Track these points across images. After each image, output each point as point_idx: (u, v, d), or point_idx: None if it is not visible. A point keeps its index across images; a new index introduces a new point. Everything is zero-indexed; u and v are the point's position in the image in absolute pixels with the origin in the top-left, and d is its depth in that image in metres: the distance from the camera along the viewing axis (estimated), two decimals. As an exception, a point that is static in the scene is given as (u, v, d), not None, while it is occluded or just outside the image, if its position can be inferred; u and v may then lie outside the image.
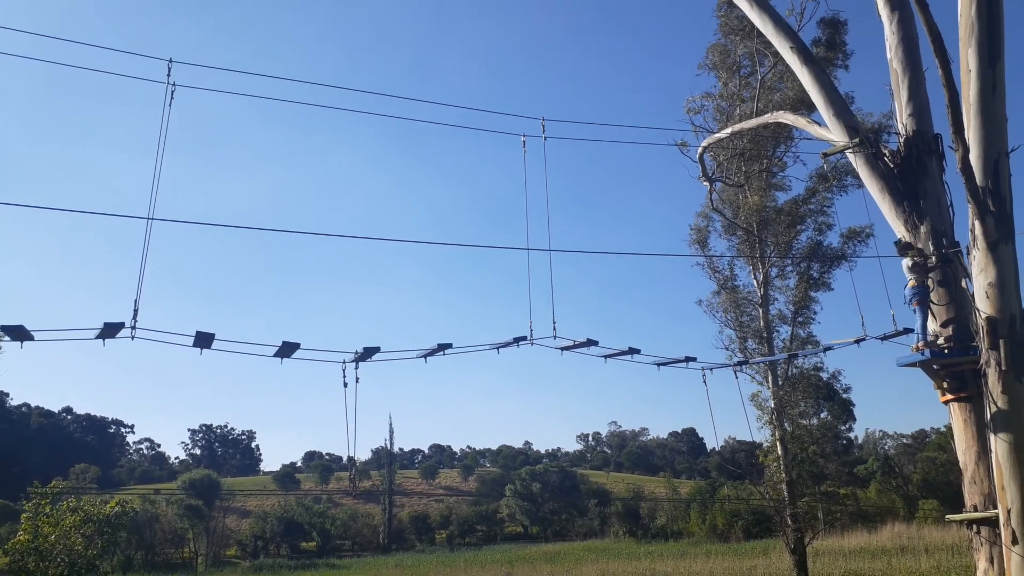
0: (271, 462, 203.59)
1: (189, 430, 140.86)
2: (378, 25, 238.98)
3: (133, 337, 9.49)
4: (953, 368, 8.48)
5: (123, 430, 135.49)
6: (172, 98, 10.32)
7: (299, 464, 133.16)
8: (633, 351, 13.08)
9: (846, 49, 28.03)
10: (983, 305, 7.91)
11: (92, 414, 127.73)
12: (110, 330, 9.54)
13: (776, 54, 10.88)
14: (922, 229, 8.86)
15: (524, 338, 12.00)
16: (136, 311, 9.40)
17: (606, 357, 13.20)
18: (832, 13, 27.00)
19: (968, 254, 8.22)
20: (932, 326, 8.83)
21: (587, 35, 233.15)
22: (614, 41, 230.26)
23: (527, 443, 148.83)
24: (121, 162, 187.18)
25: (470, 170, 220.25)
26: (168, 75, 10.19)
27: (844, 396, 51.76)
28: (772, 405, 27.69)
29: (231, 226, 20.09)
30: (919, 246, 8.86)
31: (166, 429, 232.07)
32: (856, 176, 9.75)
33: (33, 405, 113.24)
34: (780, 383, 28.08)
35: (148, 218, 9.83)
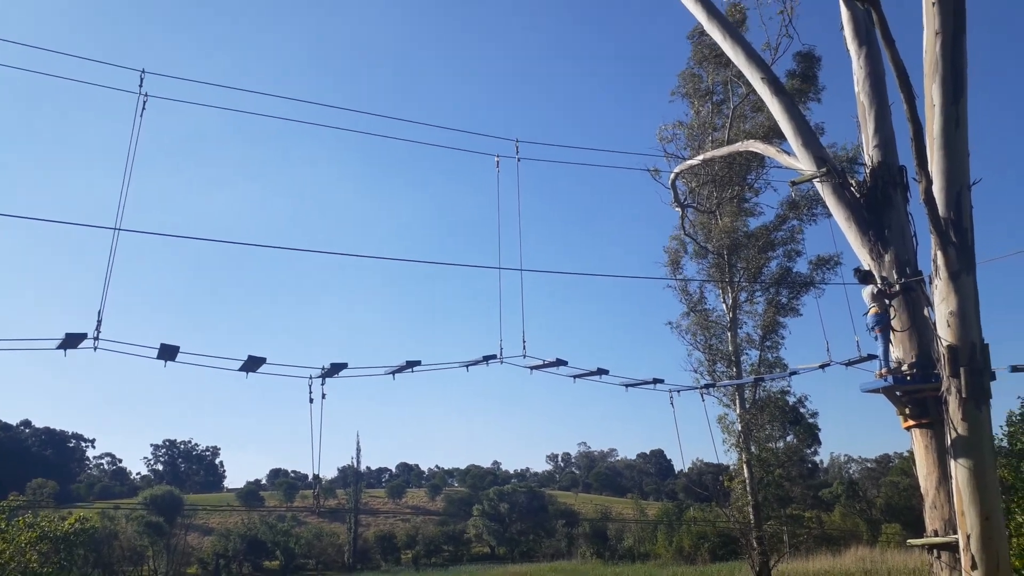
0: (235, 479, 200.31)
1: (152, 445, 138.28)
2: (357, 42, 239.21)
3: (96, 348, 9.34)
4: (915, 395, 8.65)
5: (83, 444, 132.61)
6: (144, 109, 10.27)
7: (264, 482, 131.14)
8: (601, 371, 13.15)
9: (818, 83, 28.71)
10: (945, 333, 8.09)
11: (51, 428, 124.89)
12: (72, 340, 9.40)
13: (748, 84, 11.10)
14: (886, 258, 9.06)
15: (494, 356, 12.02)
16: (100, 321, 9.28)
17: (575, 377, 13.28)
18: (807, 47, 27.67)
19: (931, 283, 8.42)
20: (895, 353, 9.01)
21: (567, 55, 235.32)
22: (594, 60, 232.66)
23: (496, 463, 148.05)
24: (92, 174, 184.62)
25: (445, 189, 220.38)
26: (140, 86, 10.15)
27: (811, 421, 52.33)
28: (739, 428, 27.94)
29: (198, 238, 19.93)
30: (883, 274, 9.06)
31: (128, 444, 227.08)
32: (825, 205, 9.97)
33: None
34: (747, 406, 28.34)
35: (115, 228, 9.73)
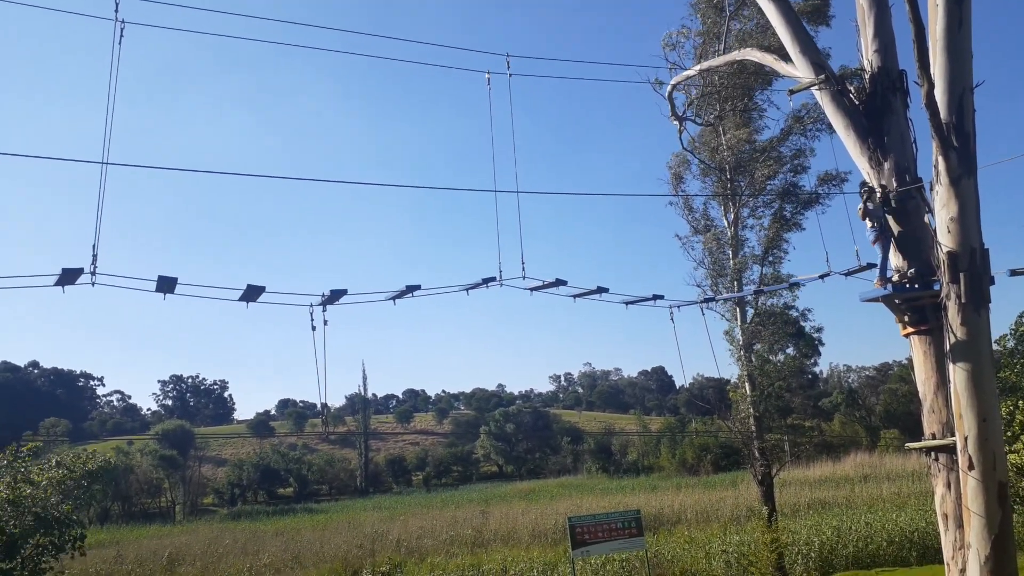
0: (245, 411, 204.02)
1: (160, 381, 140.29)
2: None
3: (93, 283, 9.27)
4: (914, 302, 8.65)
5: (92, 383, 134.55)
6: (122, 36, 9.94)
7: (273, 412, 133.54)
8: (601, 290, 13.13)
9: (829, 8, 27.89)
10: (945, 240, 8.04)
11: (60, 368, 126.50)
12: (69, 276, 9.32)
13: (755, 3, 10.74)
14: (886, 166, 8.93)
15: (493, 279, 11.99)
16: (95, 256, 9.18)
17: (575, 297, 13.27)
18: None
19: (931, 190, 8.32)
20: (895, 261, 8.98)
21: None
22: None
23: (500, 385, 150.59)
24: (75, 107, 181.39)
25: (440, 109, 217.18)
26: (116, 11, 9.79)
27: (815, 336, 52.87)
28: (741, 341, 28.17)
29: (187, 170, 19.74)
30: (883, 182, 8.95)
31: (136, 381, 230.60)
32: (830, 123, 9.75)
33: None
34: (748, 320, 28.52)
35: (102, 163, 9.55)
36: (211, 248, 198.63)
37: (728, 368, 29.69)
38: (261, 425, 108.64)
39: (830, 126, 9.80)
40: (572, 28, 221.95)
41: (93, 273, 9.22)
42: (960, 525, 8.06)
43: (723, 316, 28.98)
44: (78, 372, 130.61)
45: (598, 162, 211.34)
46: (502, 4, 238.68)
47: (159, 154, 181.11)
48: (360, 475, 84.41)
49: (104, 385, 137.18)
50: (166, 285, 9.92)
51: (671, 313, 14.65)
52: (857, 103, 9.21)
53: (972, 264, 7.92)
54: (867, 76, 9.22)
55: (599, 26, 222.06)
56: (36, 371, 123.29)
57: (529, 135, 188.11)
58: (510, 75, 13.00)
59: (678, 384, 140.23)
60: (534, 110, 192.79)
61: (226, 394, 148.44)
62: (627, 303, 13.94)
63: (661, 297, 14.12)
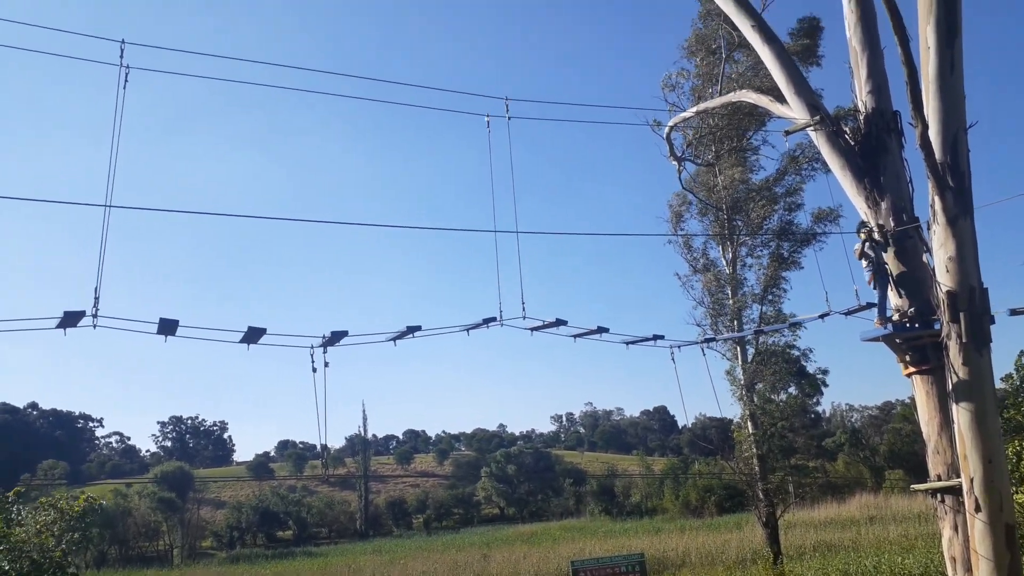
0: (244, 452, 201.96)
1: (159, 422, 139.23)
2: (346, 3, 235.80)
3: (95, 325, 9.30)
4: (915, 342, 8.63)
5: (91, 424, 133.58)
6: (127, 81, 10.10)
7: (273, 454, 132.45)
8: (602, 329, 13.15)
9: (819, 47, 28.58)
10: (943, 279, 8.04)
11: (59, 409, 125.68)
12: (71, 319, 9.35)
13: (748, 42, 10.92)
14: (883, 205, 8.97)
15: (494, 319, 12.00)
16: (97, 299, 9.22)
17: (575, 336, 13.28)
18: (811, 16, 27.80)
19: (928, 229, 8.35)
20: (894, 300, 8.97)
21: (564, 10, 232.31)
22: (594, 16, 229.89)
23: (501, 425, 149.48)
24: (79, 150, 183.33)
25: (446, 148, 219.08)
26: (121, 57, 9.95)
27: (820, 377, 52.72)
28: (742, 381, 28.08)
29: (189, 212, 19.89)
30: (880, 222, 8.98)
31: (136, 422, 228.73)
32: (823, 159, 9.85)
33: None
34: (750, 360, 28.46)
35: (105, 205, 9.63)
36: (214, 288, 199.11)
37: (730, 408, 29.62)
38: (260, 467, 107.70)
39: (825, 165, 9.89)
40: (572, 68, 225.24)
41: (95, 316, 9.25)
42: (968, 568, 7.92)
43: (724, 356, 28.95)
44: (77, 413, 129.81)
45: (599, 197, 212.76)
46: (502, 46, 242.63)
47: (164, 195, 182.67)
48: (360, 518, 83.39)
49: (103, 427, 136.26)
50: (168, 327, 9.94)
51: (672, 353, 14.63)
52: (852, 143, 9.29)
53: (972, 303, 7.91)
54: (862, 117, 9.32)
55: (599, 66, 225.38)
56: (35, 412, 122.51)
57: (530, 170, 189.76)
58: (509, 118, 13.17)
59: (680, 424, 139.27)
60: (535, 145, 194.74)
61: (226, 435, 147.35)
62: (628, 343, 13.93)
63: (662, 337, 14.13)
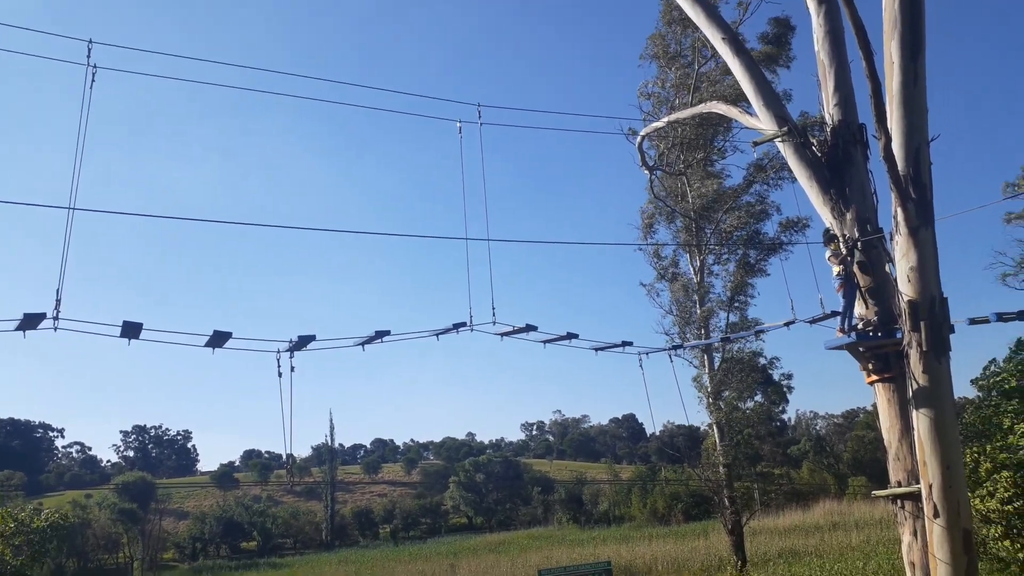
0: (209, 462, 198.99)
1: (121, 432, 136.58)
2: (316, 7, 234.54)
3: (56, 328, 9.08)
4: (877, 350, 8.78)
5: (51, 434, 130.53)
6: (93, 81, 9.93)
7: (238, 463, 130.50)
8: (571, 336, 13.17)
9: (790, 50, 28.88)
10: (905, 288, 8.20)
11: (16, 418, 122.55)
12: (31, 321, 9.11)
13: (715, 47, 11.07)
14: (848, 216, 9.14)
15: (464, 324, 11.96)
16: (59, 301, 8.98)
17: (545, 342, 13.28)
18: (784, 15, 27.94)
19: (891, 239, 8.52)
20: (858, 309, 9.13)
21: (537, 17, 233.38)
22: (565, 23, 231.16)
23: (471, 434, 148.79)
24: (44, 150, 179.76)
25: (414, 155, 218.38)
26: (88, 56, 9.79)
27: (785, 384, 53.37)
28: (709, 388, 28.32)
29: (154, 216, 19.55)
30: (845, 232, 9.15)
31: (98, 432, 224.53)
32: (790, 168, 9.99)
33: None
34: (716, 367, 28.72)
35: (69, 208, 9.44)
36: (179, 293, 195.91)
37: (697, 415, 29.84)
38: (225, 476, 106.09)
39: (792, 174, 10.05)
40: (547, 75, 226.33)
41: (56, 318, 9.03)
42: (927, 573, 8.07)
43: (691, 363, 29.17)
44: (36, 423, 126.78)
45: (573, 204, 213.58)
46: (476, 52, 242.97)
47: (128, 198, 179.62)
48: (326, 528, 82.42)
49: (63, 437, 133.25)
50: (131, 331, 9.73)
51: (640, 360, 14.69)
52: (819, 155, 9.46)
53: (932, 313, 8.08)
54: (828, 129, 9.49)
55: (574, 72, 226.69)
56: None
57: (502, 176, 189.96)
58: (481, 124, 13.17)
59: (648, 432, 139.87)
60: (508, 151, 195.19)
61: (190, 444, 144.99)
62: (596, 349, 13.97)
63: (630, 344, 14.17)
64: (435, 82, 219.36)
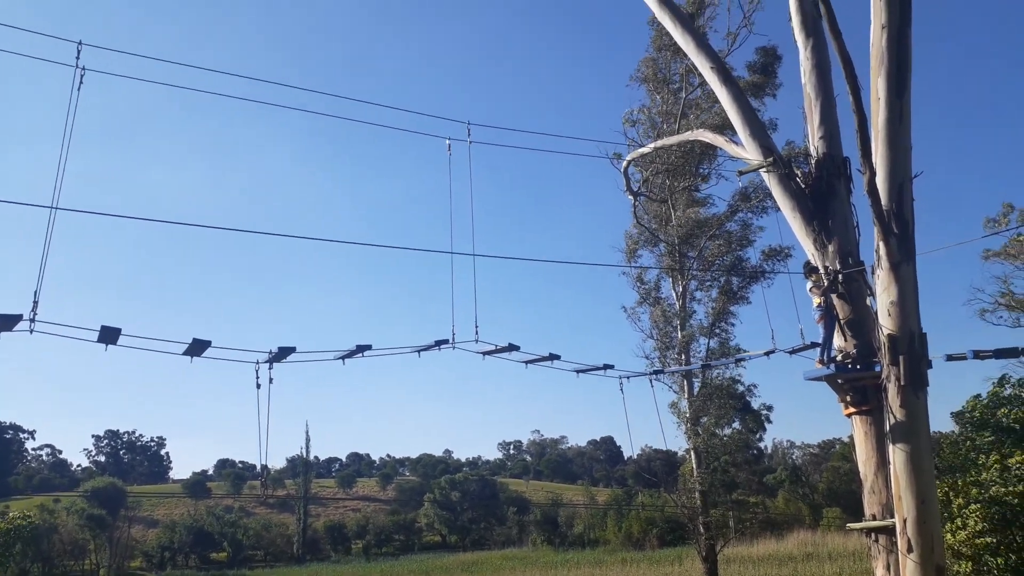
0: (181, 470, 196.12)
1: (94, 436, 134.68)
2: (310, 20, 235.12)
3: (32, 330, 8.97)
4: (856, 383, 8.82)
5: (22, 435, 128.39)
6: (81, 83, 9.88)
7: (211, 472, 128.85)
8: (553, 356, 13.19)
9: (776, 79, 29.08)
10: (885, 322, 8.25)
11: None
12: (6, 322, 8.99)
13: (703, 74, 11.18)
14: (830, 248, 9.21)
15: (446, 341, 11.92)
16: (36, 303, 8.88)
17: (527, 362, 13.29)
18: (771, 44, 28.16)
19: (873, 273, 8.58)
20: (838, 341, 9.18)
21: (530, 38, 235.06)
22: (558, 45, 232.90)
23: (447, 451, 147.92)
24: (30, 150, 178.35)
25: (402, 170, 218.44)
26: (77, 58, 9.75)
27: (764, 413, 53.51)
28: (687, 414, 28.31)
29: (137, 218, 19.39)
30: (827, 264, 9.21)
31: (69, 435, 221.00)
32: (774, 198, 10.07)
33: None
34: (696, 393, 28.73)
35: (52, 207, 9.35)
36: (160, 299, 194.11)
37: (675, 440, 29.80)
38: (198, 485, 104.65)
39: (775, 203, 10.12)
40: (537, 94, 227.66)
41: (32, 320, 8.92)
42: (900, 608, 8.05)
43: (671, 388, 29.16)
44: (7, 424, 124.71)
45: (560, 223, 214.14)
46: (467, 69, 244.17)
47: (112, 200, 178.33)
48: (297, 541, 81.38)
49: (35, 439, 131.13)
50: (109, 335, 9.64)
51: (620, 383, 14.71)
52: (803, 186, 9.54)
53: (911, 347, 8.12)
54: (813, 161, 9.58)
55: (564, 92, 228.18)
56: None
57: (491, 194, 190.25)
58: (470, 142, 13.21)
59: (626, 455, 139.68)
60: (498, 169, 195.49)
61: (163, 451, 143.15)
62: (578, 371, 13.98)
63: (611, 367, 14.19)
64: (427, 97, 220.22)
